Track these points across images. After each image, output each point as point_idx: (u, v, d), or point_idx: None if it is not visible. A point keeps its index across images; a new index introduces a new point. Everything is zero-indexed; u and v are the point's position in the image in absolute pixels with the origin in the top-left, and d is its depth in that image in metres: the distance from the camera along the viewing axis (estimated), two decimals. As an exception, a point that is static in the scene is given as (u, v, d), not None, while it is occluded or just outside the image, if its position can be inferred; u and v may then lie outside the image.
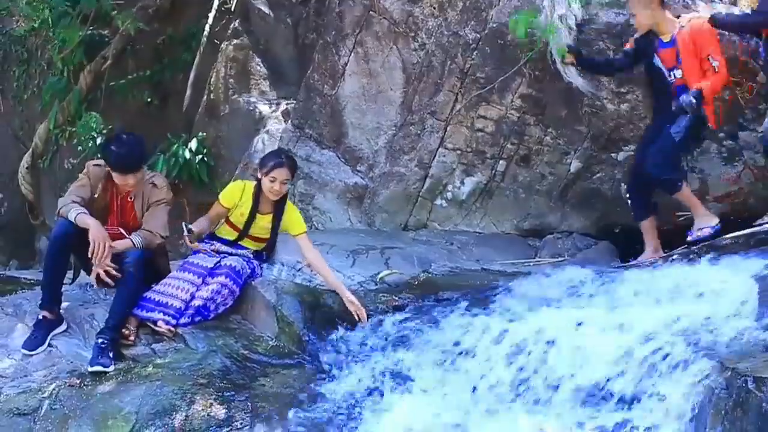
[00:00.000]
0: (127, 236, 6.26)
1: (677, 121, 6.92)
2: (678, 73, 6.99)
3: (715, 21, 6.96)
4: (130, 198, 6.41)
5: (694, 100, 6.79)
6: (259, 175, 6.52)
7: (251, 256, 6.61)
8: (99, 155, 6.69)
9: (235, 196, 6.64)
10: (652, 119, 7.33)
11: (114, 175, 6.29)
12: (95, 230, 6.03)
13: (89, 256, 6.05)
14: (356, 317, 6.27)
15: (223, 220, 6.71)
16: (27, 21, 10.65)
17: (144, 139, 6.68)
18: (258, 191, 6.56)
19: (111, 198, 6.42)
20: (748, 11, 7.11)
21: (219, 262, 6.44)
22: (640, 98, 7.46)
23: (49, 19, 10.49)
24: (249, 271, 6.50)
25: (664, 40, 7.05)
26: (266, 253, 6.74)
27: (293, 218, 6.69)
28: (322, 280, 6.65)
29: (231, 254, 6.54)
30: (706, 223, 6.93)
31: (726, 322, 5.08)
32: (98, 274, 6.22)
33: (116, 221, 6.37)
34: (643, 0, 7.00)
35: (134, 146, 6.44)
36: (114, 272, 6.18)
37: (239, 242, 6.65)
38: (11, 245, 12.36)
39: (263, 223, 6.63)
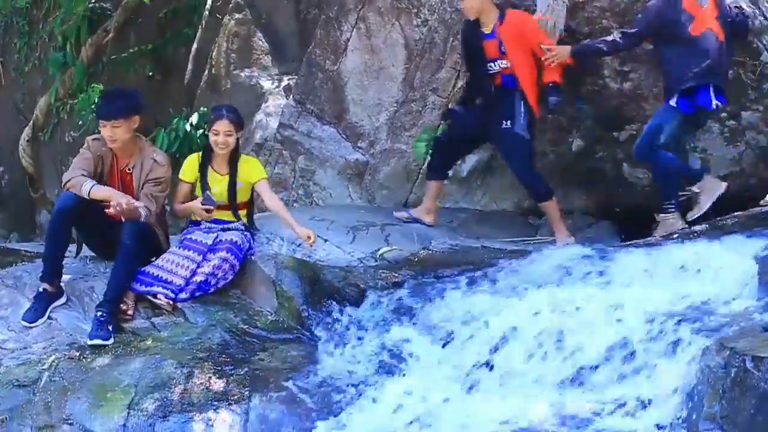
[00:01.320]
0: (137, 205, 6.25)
1: (513, 118, 7.21)
2: (502, 63, 7.27)
3: (575, 53, 7.25)
4: (129, 169, 6.41)
5: (555, 99, 7.22)
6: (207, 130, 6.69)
7: (243, 228, 6.62)
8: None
9: (194, 167, 6.74)
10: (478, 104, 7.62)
11: (100, 127, 6.31)
12: (118, 195, 6.06)
13: (102, 212, 6.03)
14: (308, 245, 6.49)
15: None
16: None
17: (137, 93, 6.74)
18: (209, 152, 6.69)
19: (111, 171, 6.42)
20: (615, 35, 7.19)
21: (218, 237, 6.45)
22: (643, 77, 7.43)
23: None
24: (248, 244, 6.52)
25: (485, 32, 7.31)
26: (247, 221, 6.76)
27: (250, 167, 6.79)
28: (323, 256, 6.70)
29: (228, 229, 6.55)
30: (564, 242, 7.14)
31: (725, 301, 5.09)
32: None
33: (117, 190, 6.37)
34: None
35: (118, 95, 6.58)
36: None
37: (215, 218, 6.65)
38: (12, 218, 12.37)
39: (223, 186, 6.67)
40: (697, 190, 7.01)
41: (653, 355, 4.79)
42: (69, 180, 6.23)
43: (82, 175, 6.21)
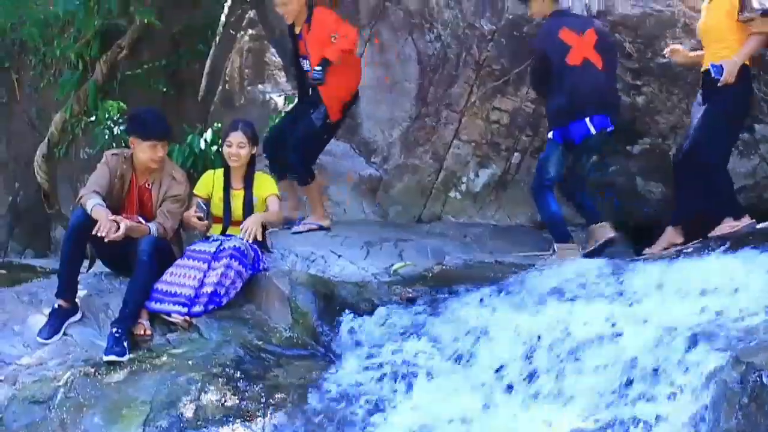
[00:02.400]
0: (145, 224, 6.29)
1: (318, 108, 7.70)
2: (308, 63, 7.70)
3: None
4: (148, 185, 6.47)
5: (319, 69, 7.49)
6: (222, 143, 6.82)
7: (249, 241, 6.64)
8: (126, 131, 6.77)
9: (208, 183, 6.83)
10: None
11: (143, 147, 6.37)
12: (104, 221, 6.04)
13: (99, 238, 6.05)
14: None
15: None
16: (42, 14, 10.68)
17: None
18: (227, 170, 6.75)
19: (130, 186, 6.47)
20: None
21: (221, 245, 6.47)
22: (656, 91, 7.43)
23: (60, 14, 10.51)
24: (253, 253, 6.51)
25: (297, 32, 7.78)
26: (261, 239, 6.77)
27: (263, 182, 6.87)
28: (337, 271, 6.72)
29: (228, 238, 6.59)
30: (316, 221, 7.72)
31: (741, 316, 5.06)
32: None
33: (135, 210, 6.42)
34: None
35: (159, 115, 6.68)
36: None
37: (227, 233, 6.71)
38: (27, 234, 12.40)
39: (239, 202, 6.74)
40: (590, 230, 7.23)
41: (668, 370, 4.76)
42: (81, 196, 6.27)
43: (95, 191, 6.25)
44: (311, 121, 7.70)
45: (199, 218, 6.59)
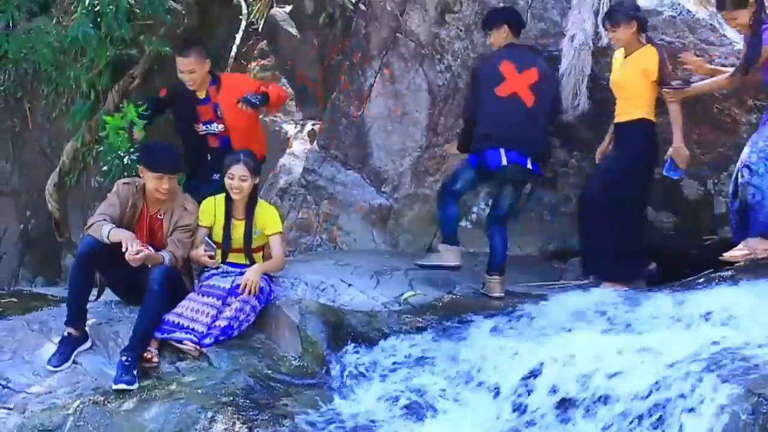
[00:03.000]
0: (158, 252, 6.31)
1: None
2: (219, 126, 7.55)
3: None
4: (160, 216, 6.50)
5: (259, 96, 7.40)
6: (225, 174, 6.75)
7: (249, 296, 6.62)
8: (137, 161, 6.83)
9: (210, 211, 6.76)
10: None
11: (150, 177, 6.42)
12: (129, 239, 6.11)
13: (124, 256, 6.09)
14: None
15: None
16: (56, 42, 10.71)
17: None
18: (229, 199, 6.72)
19: (141, 216, 6.49)
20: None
21: (234, 281, 6.47)
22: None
23: (78, 40, 10.55)
24: (268, 287, 6.53)
25: (200, 97, 7.57)
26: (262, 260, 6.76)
27: (267, 217, 6.81)
28: (347, 300, 6.72)
29: (242, 273, 6.56)
30: None
31: (753, 347, 5.03)
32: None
33: (145, 239, 6.43)
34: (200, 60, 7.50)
35: (172, 148, 6.74)
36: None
37: (227, 260, 6.70)
38: (37, 262, 12.41)
39: (241, 231, 6.71)
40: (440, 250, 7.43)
41: (679, 402, 4.74)
42: (90, 225, 6.30)
43: (104, 219, 6.27)
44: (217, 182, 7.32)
45: (210, 257, 6.60)
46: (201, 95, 7.58)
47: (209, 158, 7.63)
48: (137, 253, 6.06)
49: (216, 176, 7.33)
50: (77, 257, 6.32)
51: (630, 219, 7.09)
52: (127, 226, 6.41)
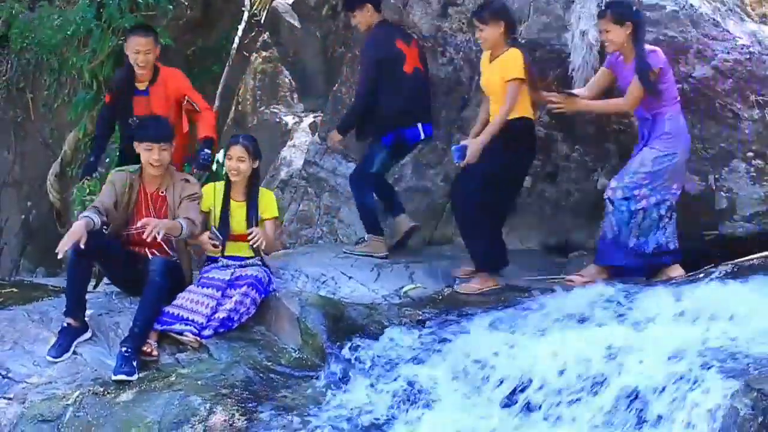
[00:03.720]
0: (174, 220, 6.36)
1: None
2: None
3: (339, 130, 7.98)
4: (162, 192, 6.52)
5: (208, 151, 7.46)
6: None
7: (261, 263, 6.64)
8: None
9: (209, 196, 6.79)
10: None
11: (141, 149, 6.49)
12: (72, 234, 6.06)
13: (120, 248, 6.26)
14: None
15: None
16: (57, 33, 10.73)
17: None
18: (228, 184, 6.77)
19: (139, 197, 6.51)
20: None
21: (233, 273, 6.47)
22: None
23: (80, 30, 10.56)
24: (268, 278, 6.53)
25: (140, 88, 7.48)
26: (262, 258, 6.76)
27: (266, 201, 6.85)
28: (347, 293, 6.73)
29: (242, 266, 6.57)
30: None
31: (753, 343, 5.03)
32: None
33: (150, 216, 6.44)
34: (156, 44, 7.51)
35: (158, 120, 6.91)
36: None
37: (226, 253, 6.69)
38: (38, 252, 12.43)
39: (241, 215, 6.69)
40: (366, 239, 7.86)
41: (678, 398, 4.74)
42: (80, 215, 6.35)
43: (94, 206, 6.37)
44: None
45: (214, 245, 6.62)
46: (141, 86, 7.50)
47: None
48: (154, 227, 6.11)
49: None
50: (72, 248, 6.31)
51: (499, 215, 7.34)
52: (124, 209, 6.44)
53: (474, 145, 7.01)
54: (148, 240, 6.17)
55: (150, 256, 6.43)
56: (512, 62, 6.97)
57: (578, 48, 7.42)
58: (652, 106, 6.85)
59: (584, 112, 7.29)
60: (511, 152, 7.04)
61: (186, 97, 7.47)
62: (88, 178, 7.88)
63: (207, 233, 6.62)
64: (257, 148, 6.84)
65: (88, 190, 7.59)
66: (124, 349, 5.96)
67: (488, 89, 7.24)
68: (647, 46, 6.86)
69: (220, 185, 6.82)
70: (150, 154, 6.45)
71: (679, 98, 6.93)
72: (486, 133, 7.01)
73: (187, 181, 6.68)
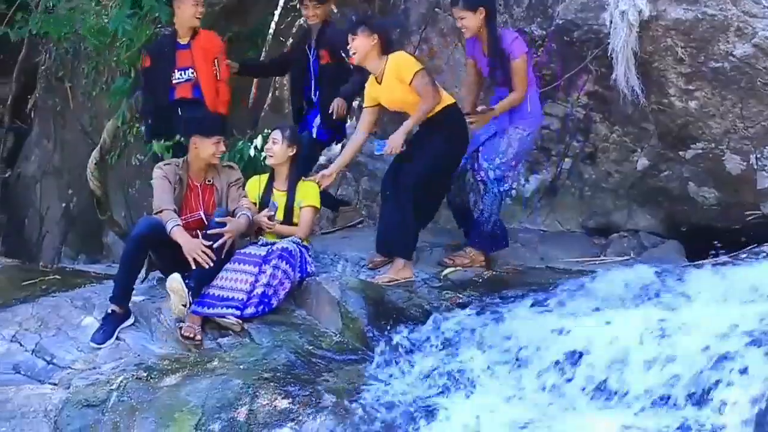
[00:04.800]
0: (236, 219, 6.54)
1: None
2: (192, 74, 7.83)
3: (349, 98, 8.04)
4: (209, 181, 6.63)
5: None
6: None
7: (299, 240, 6.68)
8: (185, 133, 6.98)
9: (254, 188, 7.01)
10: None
11: (207, 144, 6.65)
12: (188, 246, 6.29)
13: (193, 266, 6.32)
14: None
15: None
16: (97, 19, 10.77)
17: None
18: (272, 176, 6.98)
19: (187, 189, 6.60)
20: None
21: (269, 249, 6.52)
22: (709, 96, 7.34)
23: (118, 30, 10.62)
24: (299, 253, 6.55)
25: (182, 42, 7.91)
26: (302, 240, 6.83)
27: (306, 190, 6.99)
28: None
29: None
30: None
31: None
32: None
33: (197, 207, 6.56)
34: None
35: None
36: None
37: (266, 239, 6.84)
38: (80, 239, 12.54)
39: (282, 203, 6.90)
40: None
41: (723, 378, 4.70)
42: (161, 211, 6.47)
43: (173, 209, 6.49)
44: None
45: (269, 218, 6.80)
46: (183, 40, 7.89)
47: (179, 113, 7.72)
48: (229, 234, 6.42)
49: (182, 139, 7.36)
50: (133, 237, 6.40)
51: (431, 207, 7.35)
52: (180, 199, 6.62)
53: (396, 135, 6.98)
54: (224, 250, 6.39)
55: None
56: (403, 65, 6.96)
57: (618, 28, 7.32)
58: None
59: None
60: (449, 144, 7.04)
61: (216, 59, 7.85)
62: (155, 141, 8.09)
63: (264, 211, 6.82)
64: (295, 135, 6.97)
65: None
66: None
67: (402, 106, 7.17)
68: (508, 32, 7.17)
69: (264, 177, 7.04)
70: (218, 146, 6.66)
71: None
72: (405, 124, 6.98)
73: (231, 167, 6.88)
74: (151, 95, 8.12)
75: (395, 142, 6.93)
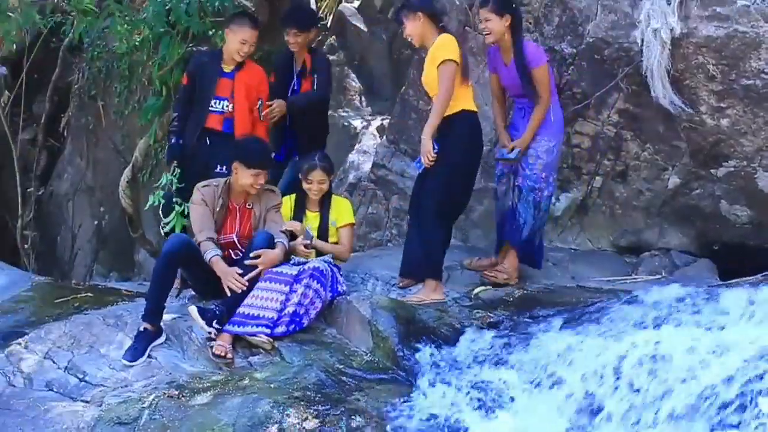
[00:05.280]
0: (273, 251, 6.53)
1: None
2: (229, 106, 7.44)
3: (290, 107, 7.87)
4: (249, 205, 6.65)
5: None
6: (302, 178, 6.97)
7: (331, 260, 6.71)
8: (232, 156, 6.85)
9: (285, 206, 6.98)
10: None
11: (247, 174, 6.61)
12: (224, 277, 6.37)
13: (227, 293, 6.37)
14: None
15: None
16: (128, 39, 10.88)
17: None
18: (303, 194, 6.98)
19: (227, 212, 6.63)
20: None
21: (301, 269, 6.53)
22: (740, 113, 7.31)
23: (149, 38, 10.69)
24: (330, 273, 6.56)
25: (226, 70, 7.51)
26: (334, 261, 6.86)
27: (341, 209, 7.02)
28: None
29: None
30: None
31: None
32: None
33: (231, 230, 6.69)
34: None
35: (263, 143, 7.09)
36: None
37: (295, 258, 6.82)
38: (111, 257, 12.63)
39: (316, 224, 6.91)
40: None
41: (760, 399, 4.66)
42: (200, 242, 6.52)
43: (210, 238, 6.52)
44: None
45: (305, 246, 6.77)
46: (228, 68, 7.54)
47: (207, 142, 7.49)
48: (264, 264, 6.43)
49: (221, 169, 7.21)
50: (163, 254, 6.43)
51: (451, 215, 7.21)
52: (218, 222, 6.66)
53: (422, 142, 6.87)
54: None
55: (234, 257, 6.64)
56: (440, 47, 6.83)
57: (651, 46, 7.31)
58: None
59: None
60: (464, 156, 6.95)
61: (261, 100, 7.56)
62: (175, 162, 7.66)
63: (299, 239, 6.77)
64: (332, 165, 7.12)
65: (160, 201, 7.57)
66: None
67: (430, 91, 7.08)
68: (528, 42, 7.23)
69: (294, 197, 7.07)
70: (257, 179, 6.61)
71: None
72: (427, 125, 6.85)
73: (272, 191, 6.87)
74: (185, 114, 7.73)
75: (424, 149, 6.82)
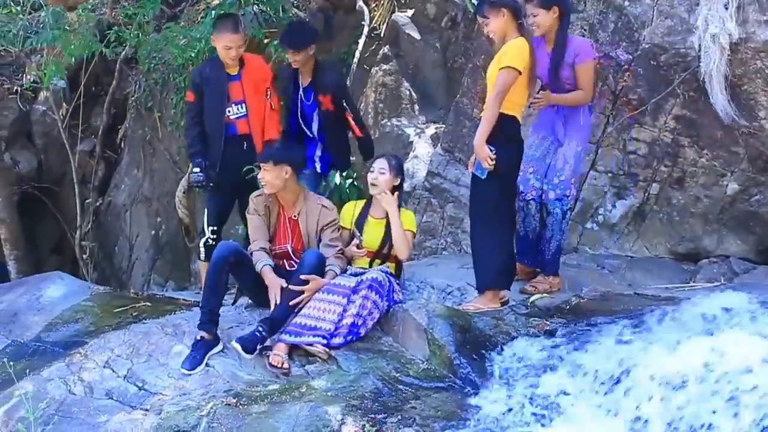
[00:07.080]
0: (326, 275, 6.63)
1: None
2: (243, 107, 7.52)
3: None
4: (295, 216, 6.68)
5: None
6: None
7: (388, 269, 6.71)
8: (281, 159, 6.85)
9: (349, 213, 7.05)
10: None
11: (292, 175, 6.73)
12: (270, 287, 6.51)
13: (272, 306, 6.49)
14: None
15: None
16: (184, 52, 10.99)
17: (281, 144, 7.49)
18: (368, 202, 7.01)
19: (279, 219, 6.70)
20: None
21: (359, 280, 6.54)
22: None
23: (205, 50, 10.79)
24: (389, 284, 6.56)
25: (232, 74, 7.56)
26: (396, 274, 6.89)
27: (405, 218, 6.97)
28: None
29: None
30: None
31: None
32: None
33: (285, 240, 6.78)
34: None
35: (287, 145, 7.38)
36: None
37: (354, 266, 6.91)
38: (168, 267, 12.72)
39: (378, 232, 6.87)
40: None
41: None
42: (252, 251, 6.68)
43: (262, 248, 6.65)
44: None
45: (357, 246, 6.86)
46: (233, 71, 7.58)
47: (241, 151, 7.53)
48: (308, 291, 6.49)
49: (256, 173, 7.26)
50: (213, 261, 6.50)
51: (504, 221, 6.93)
52: (268, 230, 6.78)
53: (475, 147, 6.70)
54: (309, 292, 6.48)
55: (288, 268, 6.72)
56: (509, 51, 6.66)
57: (710, 52, 7.24)
58: None
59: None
60: (506, 159, 6.73)
61: (268, 90, 7.65)
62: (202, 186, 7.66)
63: (354, 241, 6.86)
64: (401, 166, 7.05)
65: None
66: (260, 327, 6.32)
67: (489, 80, 6.87)
68: (579, 38, 7.23)
69: (361, 203, 7.09)
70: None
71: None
72: (478, 132, 6.70)
73: (325, 206, 6.87)
74: (199, 133, 7.64)
75: (479, 152, 6.65)
